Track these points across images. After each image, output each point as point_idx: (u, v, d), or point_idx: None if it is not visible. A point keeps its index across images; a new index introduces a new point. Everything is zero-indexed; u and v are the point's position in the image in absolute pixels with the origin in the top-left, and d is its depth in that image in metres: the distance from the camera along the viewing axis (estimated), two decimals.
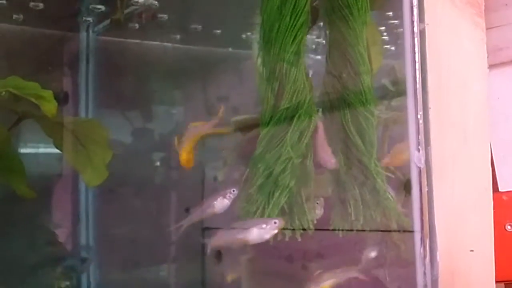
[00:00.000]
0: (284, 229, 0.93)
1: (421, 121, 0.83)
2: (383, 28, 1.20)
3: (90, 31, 1.29)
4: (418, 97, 0.84)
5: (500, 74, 1.59)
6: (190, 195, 1.44)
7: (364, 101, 0.96)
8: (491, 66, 1.59)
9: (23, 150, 1.24)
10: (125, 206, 1.36)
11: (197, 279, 1.41)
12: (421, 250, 0.81)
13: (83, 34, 1.29)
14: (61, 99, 1.29)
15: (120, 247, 1.33)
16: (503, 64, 1.57)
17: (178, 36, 1.36)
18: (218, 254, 1.36)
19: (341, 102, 0.97)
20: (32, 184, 1.07)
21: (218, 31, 1.32)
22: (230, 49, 1.44)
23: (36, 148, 1.27)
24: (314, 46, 1.21)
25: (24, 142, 1.23)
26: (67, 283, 1.25)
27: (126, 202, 1.37)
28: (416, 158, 0.82)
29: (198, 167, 1.47)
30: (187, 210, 1.46)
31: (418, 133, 0.83)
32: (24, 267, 1.17)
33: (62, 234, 1.27)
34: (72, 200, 1.30)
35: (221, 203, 1.01)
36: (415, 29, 0.84)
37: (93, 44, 1.29)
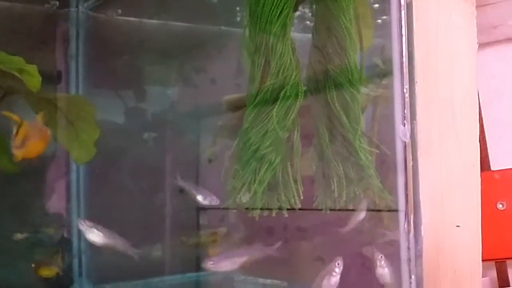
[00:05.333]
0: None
1: (407, 95, 0.82)
2: None
3: (80, 7, 1.27)
4: (404, 71, 0.83)
5: (494, 53, 1.58)
6: (183, 174, 1.44)
7: (350, 77, 0.94)
8: (486, 45, 1.58)
9: None
10: (118, 185, 1.36)
11: (192, 257, 1.42)
12: (405, 225, 0.80)
13: (73, 10, 1.27)
14: (55, 77, 1.28)
15: (113, 226, 1.33)
16: (497, 42, 1.56)
17: (170, 13, 1.35)
18: None
19: (326, 77, 0.96)
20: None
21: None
22: (222, 27, 1.42)
23: None
24: None
25: None
26: (60, 263, 1.25)
27: (119, 181, 1.37)
28: (401, 132, 0.81)
29: (192, 147, 1.47)
30: (181, 191, 1.46)
31: (403, 107, 0.82)
32: (18, 248, 1.17)
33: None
34: (63, 180, 1.30)
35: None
36: (402, 2, 0.83)
37: (84, 20, 1.28)
